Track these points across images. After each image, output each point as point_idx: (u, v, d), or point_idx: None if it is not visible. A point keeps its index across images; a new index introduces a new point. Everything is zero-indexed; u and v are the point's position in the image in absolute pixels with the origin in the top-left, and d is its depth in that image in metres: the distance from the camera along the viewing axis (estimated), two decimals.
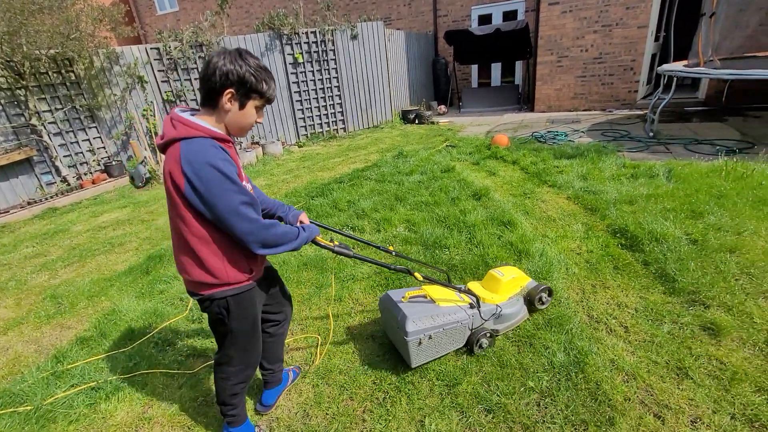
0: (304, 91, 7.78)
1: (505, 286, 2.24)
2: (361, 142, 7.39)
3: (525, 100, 9.47)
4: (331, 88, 7.94)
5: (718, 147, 4.79)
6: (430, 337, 1.89)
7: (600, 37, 7.60)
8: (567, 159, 4.86)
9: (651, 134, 5.61)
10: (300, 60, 7.46)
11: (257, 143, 7.31)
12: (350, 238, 2.14)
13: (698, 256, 2.59)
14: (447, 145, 6.16)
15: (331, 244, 1.58)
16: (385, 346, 2.21)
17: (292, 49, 7.39)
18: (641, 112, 7.52)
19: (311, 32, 7.40)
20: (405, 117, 8.74)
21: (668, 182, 3.76)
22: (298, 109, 7.86)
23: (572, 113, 8.17)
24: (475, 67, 10.62)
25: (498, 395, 1.82)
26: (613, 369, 1.89)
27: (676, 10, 6.83)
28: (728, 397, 1.68)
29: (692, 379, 1.79)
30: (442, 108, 9.75)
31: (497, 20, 9.83)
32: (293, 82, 7.63)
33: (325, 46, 7.56)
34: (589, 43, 7.72)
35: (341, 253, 1.59)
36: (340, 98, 8.11)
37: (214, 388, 1.78)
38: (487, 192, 4.00)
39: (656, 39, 7.71)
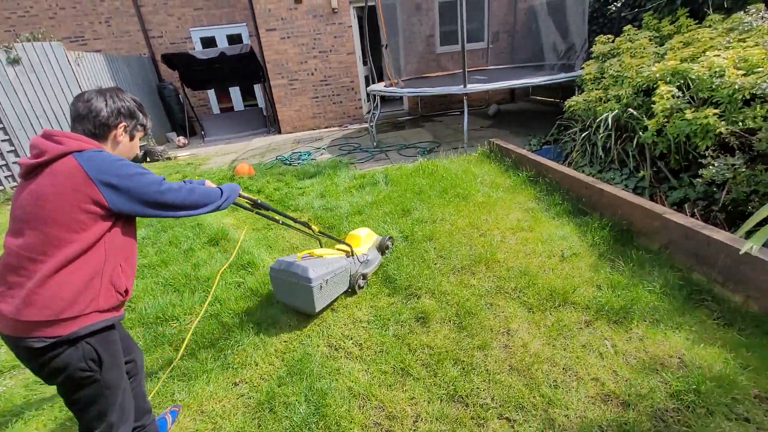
0: None
1: (364, 240, 2.82)
2: None
3: (272, 123, 9.52)
4: None
5: (418, 149, 6.00)
6: (327, 282, 2.28)
7: (320, 62, 8.38)
8: (309, 179, 5.02)
9: (375, 144, 6.53)
10: None
11: None
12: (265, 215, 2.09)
13: (410, 251, 2.99)
14: None
15: (254, 198, 1.86)
16: None
17: None
18: (368, 125, 8.78)
19: None
20: None
21: (386, 186, 4.35)
22: None
23: (315, 131, 8.75)
24: (212, 92, 9.95)
25: None
26: (351, 398, 1.85)
27: (370, 41, 8.23)
28: (437, 381, 1.89)
29: (411, 375, 1.94)
30: (182, 140, 8.67)
31: (223, 43, 9.49)
32: None
33: None
34: (312, 67, 8.39)
35: (264, 207, 1.90)
36: (10, 143, 5.89)
37: None
38: (226, 233, 3.59)
39: (365, 63, 9.13)
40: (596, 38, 5.03)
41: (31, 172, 1.17)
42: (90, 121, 1.28)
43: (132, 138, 1.40)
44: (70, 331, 1.14)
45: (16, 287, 1.12)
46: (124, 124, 1.34)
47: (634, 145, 3.79)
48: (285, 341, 2.27)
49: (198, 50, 8.37)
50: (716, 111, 3.09)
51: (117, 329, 1.32)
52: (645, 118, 3.74)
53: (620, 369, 1.82)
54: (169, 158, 7.31)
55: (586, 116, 4.53)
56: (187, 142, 8.70)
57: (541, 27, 6.64)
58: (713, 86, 3.28)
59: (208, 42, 9.54)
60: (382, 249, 2.96)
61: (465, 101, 5.21)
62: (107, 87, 1.38)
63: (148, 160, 7.21)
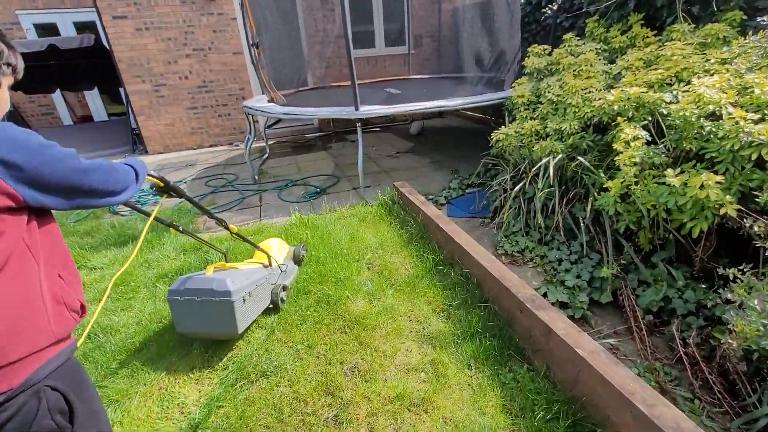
0: None
1: (278, 251, 2.47)
2: None
3: (141, 140, 7.41)
4: None
5: (308, 188, 4.43)
6: (249, 294, 1.92)
7: (197, 62, 6.49)
8: (117, 248, 3.22)
9: (256, 178, 4.86)
10: None
11: None
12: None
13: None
14: None
15: (163, 177, 1.42)
16: None
17: None
18: (273, 142, 7.07)
19: None
20: None
21: None
22: None
23: (195, 151, 6.83)
24: (59, 97, 7.57)
25: None
26: None
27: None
28: None
29: None
30: None
31: (69, 33, 7.20)
32: None
33: None
34: (186, 69, 6.48)
35: (177, 190, 1.47)
36: None
37: None
38: None
39: None
40: (529, 48, 3.83)
41: None
42: None
43: None
44: (22, 380, 0.83)
45: None
46: None
47: (588, 211, 2.55)
48: None
49: (19, 40, 6.08)
50: (719, 179, 1.90)
51: None
52: (602, 174, 2.52)
53: None
54: None
55: (519, 158, 3.27)
56: None
57: (465, 32, 5.41)
58: (704, 133, 2.11)
59: (49, 30, 7.18)
60: (297, 260, 2.71)
61: (359, 129, 3.73)
62: None
63: None
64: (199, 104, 6.73)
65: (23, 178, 0.81)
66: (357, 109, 3.60)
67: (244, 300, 1.86)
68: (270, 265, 2.27)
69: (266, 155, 5.99)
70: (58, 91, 7.41)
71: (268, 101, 4.84)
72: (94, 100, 7.83)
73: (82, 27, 7.29)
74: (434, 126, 7.46)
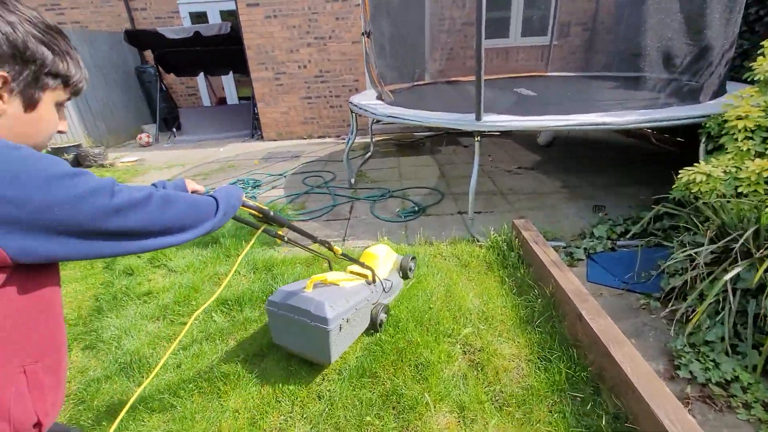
0: None
1: (384, 261, 2.25)
2: None
3: (260, 126, 7.70)
4: None
5: (403, 205, 3.79)
6: (347, 321, 1.78)
7: (316, 51, 6.33)
8: (201, 249, 3.04)
9: (352, 182, 4.41)
10: None
11: None
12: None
13: None
14: None
15: (264, 207, 1.28)
16: None
17: None
18: (379, 139, 6.65)
19: None
20: None
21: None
22: None
23: (305, 141, 6.77)
24: (202, 80, 8.31)
25: None
26: None
27: None
28: None
29: None
30: (144, 137, 7.08)
31: (216, 20, 7.77)
32: None
33: None
34: (306, 58, 6.37)
35: (279, 221, 1.34)
36: None
37: None
38: None
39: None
40: (764, 42, 2.47)
41: None
42: None
43: (31, 102, 0.66)
44: None
45: None
46: (2, 74, 0.62)
47: None
48: None
49: (169, 28, 6.69)
50: None
51: None
52: None
53: None
54: (103, 165, 5.73)
55: (733, 218, 2.07)
56: (149, 141, 7.12)
57: (642, 16, 4.01)
58: None
59: (200, 18, 7.86)
60: (404, 271, 2.43)
61: (477, 145, 2.89)
62: None
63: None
64: (314, 94, 6.61)
65: (17, 219, 0.56)
66: (479, 118, 2.76)
67: (340, 327, 1.72)
68: (374, 281, 2.05)
69: (369, 154, 5.54)
70: (201, 74, 8.14)
71: (377, 98, 4.30)
72: (228, 83, 8.44)
73: (225, 15, 7.80)
74: (569, 134, 6.09)
